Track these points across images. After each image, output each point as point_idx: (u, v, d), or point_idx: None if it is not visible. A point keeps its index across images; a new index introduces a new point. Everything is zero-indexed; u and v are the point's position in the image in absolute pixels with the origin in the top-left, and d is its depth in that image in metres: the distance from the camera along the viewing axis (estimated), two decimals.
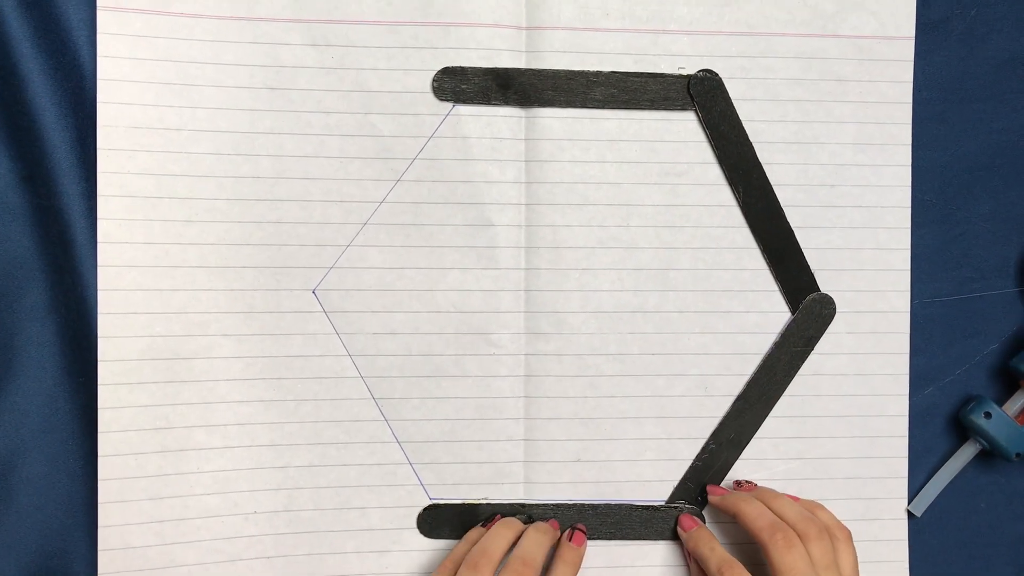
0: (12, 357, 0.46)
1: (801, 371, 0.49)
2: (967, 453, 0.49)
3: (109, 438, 0.45)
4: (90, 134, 0.45)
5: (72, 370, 0.46)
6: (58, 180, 0.45)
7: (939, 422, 0.50)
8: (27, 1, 0.45)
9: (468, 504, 0.48)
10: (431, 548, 0.48)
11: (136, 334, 0.46)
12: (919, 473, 0.50)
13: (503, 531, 0.45)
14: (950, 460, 0.50)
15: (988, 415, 0.48)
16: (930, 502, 0.49)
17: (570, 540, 0.46)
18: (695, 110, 0.49)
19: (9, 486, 0.46)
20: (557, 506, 0.48)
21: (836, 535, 0.45)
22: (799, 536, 0.43)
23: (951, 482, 0.50)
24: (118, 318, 0.46)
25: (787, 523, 0.44)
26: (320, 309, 0.47)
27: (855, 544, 0.46)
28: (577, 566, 0.46)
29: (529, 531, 0.46)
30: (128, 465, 0.45)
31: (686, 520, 0.48)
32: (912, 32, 0.49)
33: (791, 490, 0.49)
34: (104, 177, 0.46)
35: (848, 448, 0.50)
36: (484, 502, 0.48)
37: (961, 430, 0.50)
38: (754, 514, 0.45)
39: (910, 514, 0.50)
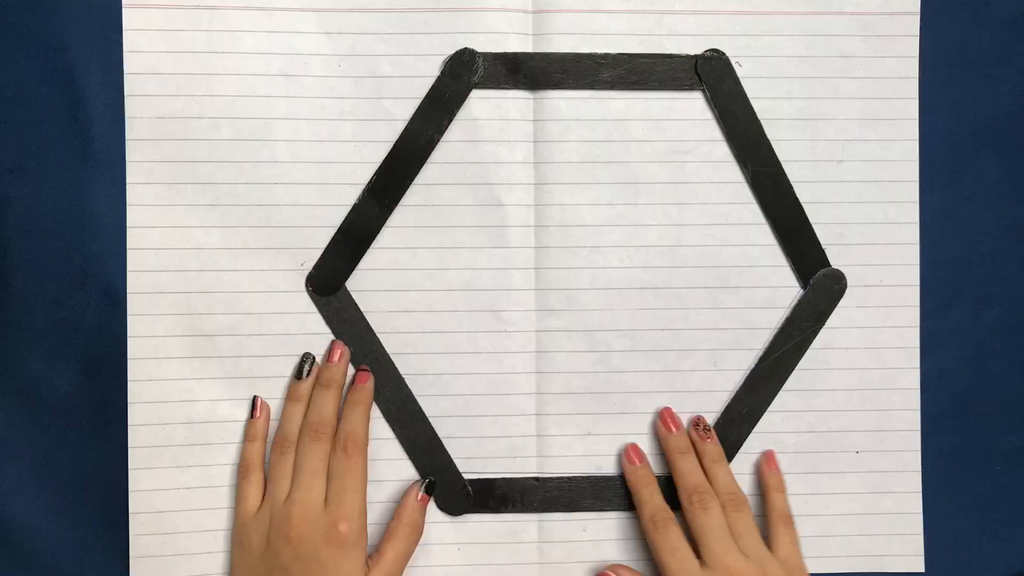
0: (49, 332, 0.52)
1: (812, 345, 0.54)
2: None
3: (138, 408, 0.52)
4: (120, 125, 0.52)
5: (104, 345, 0.52)
6: (91, 169, 0.52)
7: (951, 386, 0.54)
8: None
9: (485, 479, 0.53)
10: (445, 520, 0.53)
11: (163, 312, 0.52)
12: (932, 439, 0.54)
13: (327, 396, 0.51)
14: None
15: None
16: None
17: (354, 383, 0.52)
18: (703, 90, 0.53)
19: (46, 449, 0.52)
20: (571, 479, 0.53)
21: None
22: (721, 504, 0.50)
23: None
24: (146, 297, 0.52)
25: (714, 489, 0.51)
26: None
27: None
28: (368, 402, 0.52)
29: (316, 393, 0.52)
30: (156, 434, 0.52)
31: (632, 451, 0.53)
32: (917, 7, 0.53)
33: (803, 463, 0.54)
34: (132, 166, 0.52)
35: (860, 421, 0.54)
36: (500, 477, 0.53)
37: (971, 404, 0.54)
38: (685, 471, 0.51)
39: None
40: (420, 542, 0.52)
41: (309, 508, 0.48)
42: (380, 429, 0.53)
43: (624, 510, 0.53)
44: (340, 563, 0.48)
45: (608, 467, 0.54)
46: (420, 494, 0.52)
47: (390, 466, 0.53)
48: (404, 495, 0.52)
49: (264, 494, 0.51)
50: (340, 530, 0.48)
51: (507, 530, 0.53)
